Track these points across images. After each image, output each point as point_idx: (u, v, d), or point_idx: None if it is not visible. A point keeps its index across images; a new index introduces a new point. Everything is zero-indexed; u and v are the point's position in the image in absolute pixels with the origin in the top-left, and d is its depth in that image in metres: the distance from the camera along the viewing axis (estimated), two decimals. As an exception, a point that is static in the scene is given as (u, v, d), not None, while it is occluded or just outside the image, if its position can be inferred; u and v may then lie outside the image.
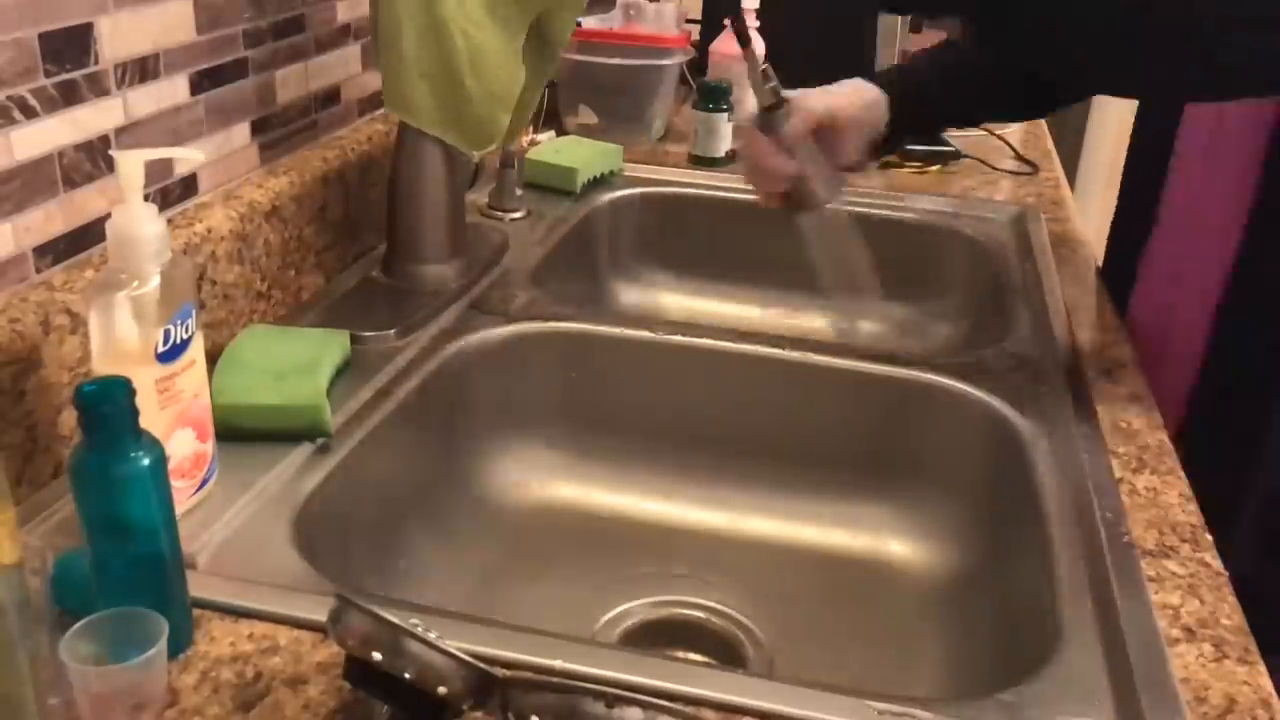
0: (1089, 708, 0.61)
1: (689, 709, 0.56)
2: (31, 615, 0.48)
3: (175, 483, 0.61)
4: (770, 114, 0.93)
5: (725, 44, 1.49)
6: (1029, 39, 0.80)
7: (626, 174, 1.44)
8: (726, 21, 1.49)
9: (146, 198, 0.82)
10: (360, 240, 1.10)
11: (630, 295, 1.39)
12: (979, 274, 1.30)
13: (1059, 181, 1.50)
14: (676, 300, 1.40)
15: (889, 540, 0.99)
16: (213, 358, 0.88)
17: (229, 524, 0.71)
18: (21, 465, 0.70)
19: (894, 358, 1.02)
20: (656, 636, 0.91)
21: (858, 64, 1.67)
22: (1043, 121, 1.84)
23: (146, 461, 0.56)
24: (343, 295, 1.02)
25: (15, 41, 0.70)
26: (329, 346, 0.88)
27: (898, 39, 1.75)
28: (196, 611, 0.63)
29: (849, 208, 1.38)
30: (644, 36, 1.51)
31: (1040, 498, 0.82)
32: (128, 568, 0.57)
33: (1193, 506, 0.79)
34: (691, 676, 0.61)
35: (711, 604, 0.93)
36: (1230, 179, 0.88)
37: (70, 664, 0.54)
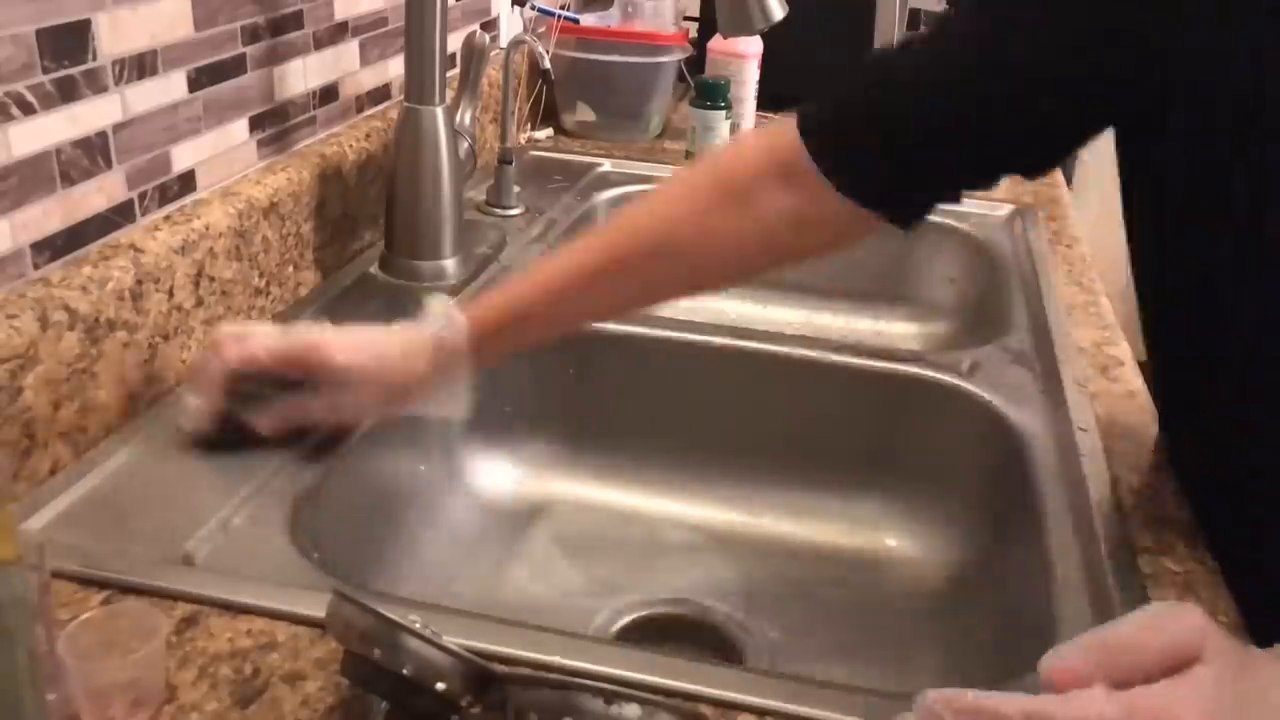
0: (1086, 704, 0.61)
1: (687, 705, 0.56)
2: (29, 611, 0.48)
3: None
4: None
5: (723, 41, 1.49)
6: None
7: (624, 171, 1.44)
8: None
9: (143, 195, 0.83)
10: (358, 237, 1.10)
11: (628, 293, 1.39)
12: (976, 272, 1.30)
13: (1056, 180, 1.50)
14: (674, 298, 1.40)
15: (886, 537, 0.99)
16: (211, 354, 0.89)
17: (227, 520, 0.71)
18: (20, 462, 0.70)
19: (892, 355, 1.02)
20: (655, 633, 0.91)
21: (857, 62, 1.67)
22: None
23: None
24: (341, 292, 1.02)
25: (13, 38, 0.70)
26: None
27: (895, 38, 1.75)
28: (195, 607, 0.63)
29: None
30: (641, 34, 1.51)
31: (1037, 495, 0.82)
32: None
33: (1189, 503, 0.79)
34: (689, 673, 0.61)
35: (709, 600, 0.93)
36: None
37: (68, 659, 0.54)
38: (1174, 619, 0.47)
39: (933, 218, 1.38)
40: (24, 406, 0.70)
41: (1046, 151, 0.74)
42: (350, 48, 1.09)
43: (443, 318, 0.78)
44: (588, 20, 1.51)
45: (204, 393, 0.76)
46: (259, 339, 0.76)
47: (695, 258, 0.79)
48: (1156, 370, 0.79)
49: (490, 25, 1.42)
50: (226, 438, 0.76)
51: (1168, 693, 0.44)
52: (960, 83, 0.70)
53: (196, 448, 0.77)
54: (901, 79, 0.73)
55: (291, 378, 0.76)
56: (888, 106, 0.73)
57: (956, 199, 0.78)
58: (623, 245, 0.79)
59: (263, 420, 0.76)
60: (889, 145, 0.73)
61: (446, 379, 0.79)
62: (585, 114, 1.53)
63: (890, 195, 0.75)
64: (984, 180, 0.76)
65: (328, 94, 1.06)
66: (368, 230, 1.11)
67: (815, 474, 1.02)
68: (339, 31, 1.06)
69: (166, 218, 0.85)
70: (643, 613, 0.92)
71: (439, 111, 1.00)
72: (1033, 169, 0.75)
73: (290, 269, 0.99)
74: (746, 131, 0.81)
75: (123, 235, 0.81)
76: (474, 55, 1.14)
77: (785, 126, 0.77)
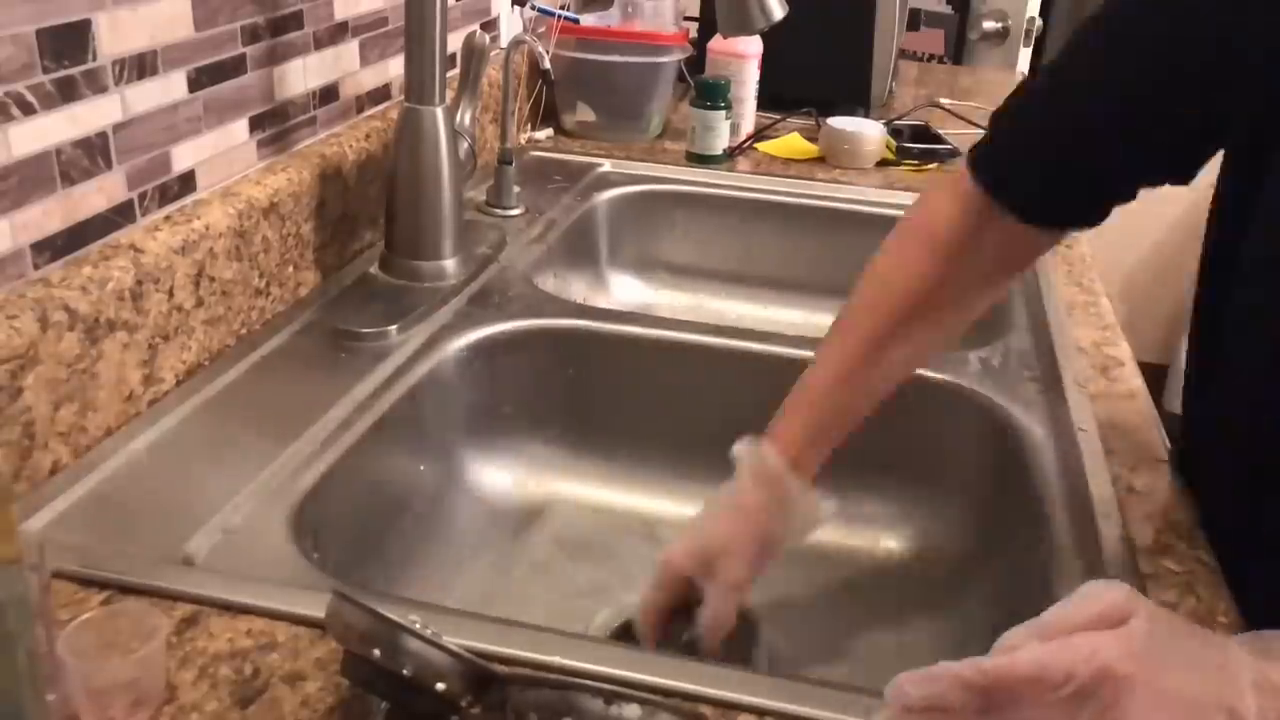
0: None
1: (687, 705, 0.56)
2: (29, 611, 0.48)
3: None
4: None
5: (723, 41, 1.49)
6: None
7: (624, 171, 1.44)
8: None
9: (143, 195, 0.83)
10: (358, 237, 1.10)
11: (627, 292, 1.39)
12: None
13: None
14: (673, 297, 1.40)
15: (887, 537, 0.99)
16: (212, 356, 0.89)
17: (227, 519, 0.71)
18: (19, 462, 0.70)
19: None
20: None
21: (857, 62, 1.68)
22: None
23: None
24: (341, 292, 1.02)
25: (13, 38, 0.70)
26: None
27: (895, 38, 1.75)
28: (195, 607, 0.63)
29: (846, 205, 1.39)
30: (642, 34, 1.51)
31: (1038, 494, 0.82)
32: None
33: (1189, 503, 0.79)
34: (689, 672, 0.61)
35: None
36: None
37: (68, 660, 0.54)
38: (1105, 591, 0.50)
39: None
40: (24, 406, 0.70)
41: (1189, 157, 0.72)
42: (350, 48, 1.09)
43: (761, 474, 0.80)
44: (588, 20, 1.50)
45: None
46: (649, 600, 0.80)
47: (937, 321, 0.81)
48: (1198, 366, 0.80)
49: (490, 25, 1.42)
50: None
51: (1097, 636, 0.48)
52: (1091, 98, 0.72)
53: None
54: (1047, 98, 0.75)
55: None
56: (1037, 121, 0.75)
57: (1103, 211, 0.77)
58: (868, 333, 0.80)
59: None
60: (1046, 156, 0.74)
61: (792, 509, 0.80)
62: (585, 114, 1.53)
63: (1045, 204, 0.76)
64: (1129, 186, 0.75)
65: (328, 94, 1.06)
66: (368, 230, 1.11)
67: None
68: (339, 31, 1.06)
69: (166, 218, 0.85)
70: (643, 613, 0.92)
71: (439, 111, 1.00)
72: (1178, 174, 0.73)
73: (290, 269, 0.99)
74: (931, 185, 0.84)
75: (123, 235, 0.81)
76: (474, 55, 1.14)
77: (958, 184, 0.78)
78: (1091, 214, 0.76)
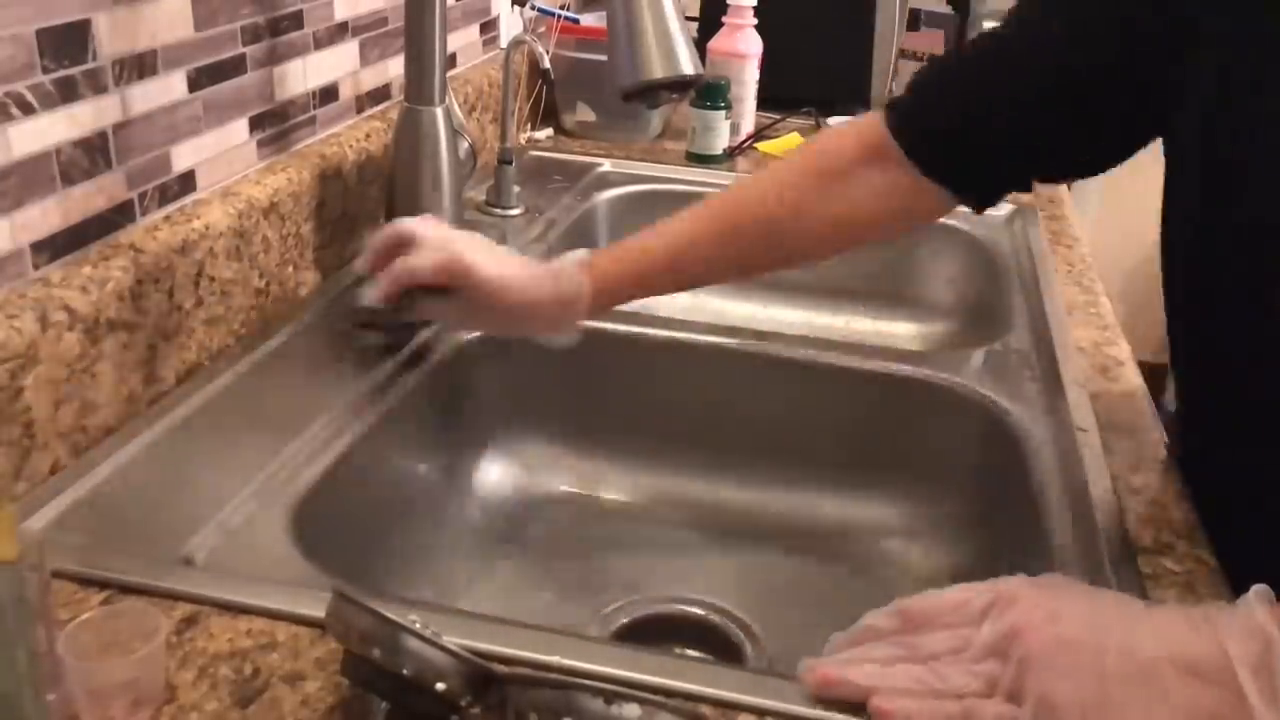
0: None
1: (687, 705, 0.56)
2: (29, 611, 0.48)
3: None
4: None
5: (723, 41, 1.49)
6: None
7: (624, 171, 1.44)
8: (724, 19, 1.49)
9: (143, 195, 0.83)
10: (358, 237, 1.10)
11: (628, 292, 1.39)
12: (977, 271, 1.30)
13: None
14: (674, 297, 1.40)
15: (887, 537, 0.99)
16: (211, 356, 0.89)
17: (227, 519, 0.71)
18: (19, 462, 0.70)
19: (892, 355, 1.02)
20: (655, 633, 0.91)
21: (857, 62, 1.68)
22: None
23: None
24: (341, 292, 1.02)
25: (13, 38, 0.70)
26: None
27: (895, 38, 1.75)
28: (195, 607, 0.63)
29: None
30: (642, 34, 1.50)
31: (1037, 494, 0.82)
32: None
33: (1189, 503, 0.79)
34: (690, 672, 0.61)
35: (710, 600, 0.93)
36: None
37: (68, 659, 0.54)
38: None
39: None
40: (24, 406, 0.70)
41: (1107, 148, 0.76)
42: (350, 48, 1.09)
43: (571, 264, 0.86)
44: (588, 20, 1.50)
45: (383, 288, 0.86)
46: (427, 254, 0.85)
47: (791, 234, 0.87)
48: (1182, 362, 0.80)
49: (490, 25, 1.42)
50: (384, 323, 0.94)
51: (989, 583, 0.60)
52: (1023, 78, 0.76)
53: (359, 327, 0.95)
54: (976, 66, 0.79)
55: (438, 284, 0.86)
56: (962, 91, 0.79)
57: (1026, 186, 0.85)
58: (730, 219, 0.87)
59: (407, 313, 0.89)
60: (962, 128, 0.79)
61: (563, 315, 0.87)
62: (585, 114, 1.53)
63: (963, 175, 0.81)
64: (1048, 170, 0.83)
65: (328, 94, 1.06)
66: (368, 230, 1.11)
67: (815, 474, 1.02)
68: (339, 31, 1.06)
69: (166, 218, 0.85)
70: (643, 612, 0.92)
71: (439, 111, 1.00)
72: (1093, 165, 0.78)
73: (290, 269, 0.99)
74: (842, 121, 0.91)
75: (123, 235, 0.81)
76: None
77: (874, 114, 0.84)
78: (993, 190, 0.82)
